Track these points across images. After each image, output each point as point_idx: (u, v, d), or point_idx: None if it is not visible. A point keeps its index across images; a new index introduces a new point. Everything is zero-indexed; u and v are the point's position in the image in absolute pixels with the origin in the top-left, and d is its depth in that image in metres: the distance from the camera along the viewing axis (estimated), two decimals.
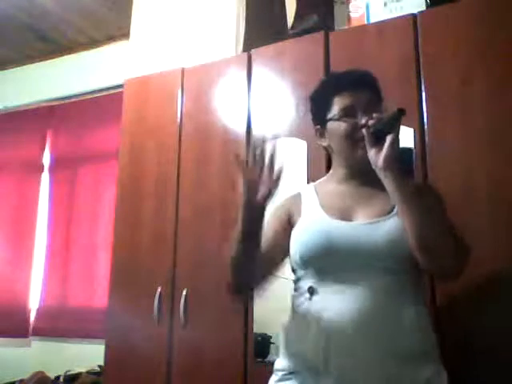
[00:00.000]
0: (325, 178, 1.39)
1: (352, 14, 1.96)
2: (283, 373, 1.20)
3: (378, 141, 1.14)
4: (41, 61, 3.53)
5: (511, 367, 1.39)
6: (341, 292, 1.13)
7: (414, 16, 1.74)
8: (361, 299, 1.11)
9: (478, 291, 1.46)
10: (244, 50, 2.13)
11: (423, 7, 1.78)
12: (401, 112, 1.12)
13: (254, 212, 1.11)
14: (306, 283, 1.20)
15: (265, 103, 1.97)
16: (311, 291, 1.17)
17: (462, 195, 1.53)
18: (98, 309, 2.72)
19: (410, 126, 1.63)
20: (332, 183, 1.32)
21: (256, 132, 1.94)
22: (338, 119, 1.24)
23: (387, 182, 1.14)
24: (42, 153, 3.36)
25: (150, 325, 1.96)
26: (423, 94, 1.66)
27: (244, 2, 2.21)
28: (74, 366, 2.58)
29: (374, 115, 1.16)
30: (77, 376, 2.48)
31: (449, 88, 1.63)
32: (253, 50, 2.05)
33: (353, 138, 1.21)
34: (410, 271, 1.17)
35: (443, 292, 1.50)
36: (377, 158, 1.14)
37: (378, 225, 1.17)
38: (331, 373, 1.10)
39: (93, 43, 3.33)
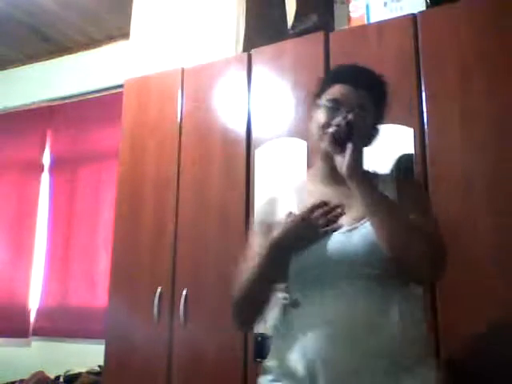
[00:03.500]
0: (308, 174, 1.35)
1: (352, 14, 1.96)
2: (273, 375, 1.18)
3: (343, 148, 1.13)
4: (41, 61, 3.53)
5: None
6: (326, 301, 1.11)
7: (414, 16, 1.74)
8: (347, 307, 1.09)
9: (478, 295, 1.46)
10: (244, 50, 2.13)
11: (423, 7, 1.78)
12: (349, 123, 1.13)
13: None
14: (292, 294, 1.18)
15: (265, 103, 1.97)
16: (296, 303, 1.15)
17: (462, 195, 1.53)
18: (98, 309, 2.73)
19: (410, 126, 1.64)
20: (314, 183, 1.28)
21: (256, 132, 1.94)
22: (319, 107, 1.23)
23: (353, 189, 1.13)
24: (42, 153, 3.36)
25: (150, 324, 1.96)
26: (423, 94, 1.66)
27: (244, 2, 2.21)
28: (74, 365, 2.58)
29: (335, 121, 1.15)
30: (77, 376, 2.48)
31: (449, 87, 1.63)
32: (253, 50, 2.05)
33: (323, 131, 1.19)
34: (394, 273, 1.13)
35: (443, 296, 1.49)
36: (341, 164, 1.13)
37: (356, 230, 1.14)
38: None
39: (93, 43, 3.33)
